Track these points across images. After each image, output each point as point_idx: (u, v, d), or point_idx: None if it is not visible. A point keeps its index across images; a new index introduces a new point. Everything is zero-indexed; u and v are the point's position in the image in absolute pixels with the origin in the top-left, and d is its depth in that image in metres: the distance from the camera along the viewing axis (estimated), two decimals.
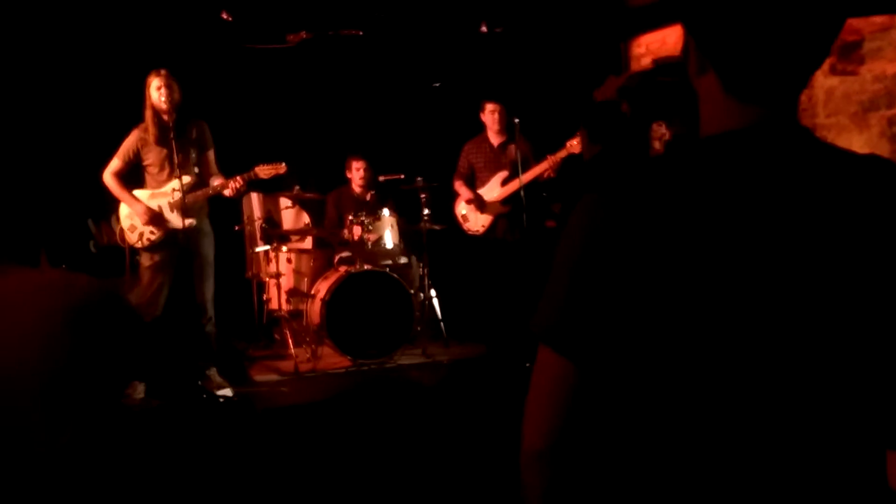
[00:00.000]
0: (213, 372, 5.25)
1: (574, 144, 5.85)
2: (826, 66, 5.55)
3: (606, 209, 1.02)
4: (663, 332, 0.99)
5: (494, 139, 6.34)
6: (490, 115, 6.32)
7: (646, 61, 7.22)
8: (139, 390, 4.94)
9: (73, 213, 5.53)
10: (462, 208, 6.43)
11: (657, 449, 1.03)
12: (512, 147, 6.22)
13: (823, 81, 5.62)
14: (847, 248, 0.99)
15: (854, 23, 5.34)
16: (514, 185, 6.07)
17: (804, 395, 1.00)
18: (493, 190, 6.26)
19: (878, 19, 5.21)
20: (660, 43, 7.17)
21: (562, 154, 5.94)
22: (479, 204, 6.30)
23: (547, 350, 1.04)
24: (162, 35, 6.33)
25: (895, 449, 1.07)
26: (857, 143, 5.42)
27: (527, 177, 6.02)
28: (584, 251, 1.02)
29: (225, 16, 6.61)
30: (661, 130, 5.82)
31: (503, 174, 6.17)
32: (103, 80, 6.15)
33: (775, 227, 0.99)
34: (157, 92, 4.97)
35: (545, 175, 6.05)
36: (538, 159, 6.15)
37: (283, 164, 5.33)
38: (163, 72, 5.00)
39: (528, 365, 5.32)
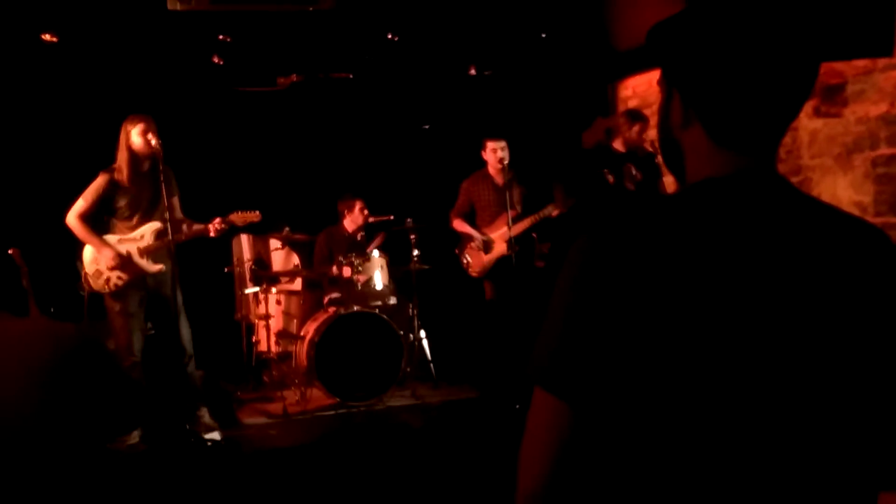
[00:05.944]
0: (203, 412, 5.20)
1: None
2: (810, 108, 5.63)
3: (597, 254, 1.05)
4: (653, 375, 1.01)
5: (498, 178, 6.28)
6: (490, 153, 6.22)
7: (633, 103, 7.31)
8: (133, 435, 4.88)
9: (62, 254, 5.49)
10: (465, 249, 6.35)
11: (651, 493, 1.03)
12: (518, 188, 6.23)
13: (808, 123, 5.69)
14: (825, 295, 1.03)
15: (837, 66, 5.43)
16: (521, 226, 6.05)
17: (797, 440, 1.01)
18: (498, 230, 6.22)
19: (861, 63, 5.29)
20: (647, 85, 7.27)
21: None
22: (485, 245, 6.27)
23: (542, 392, 1.05)
24: (154, 78, 6.38)
25: (887, 491, 1.08)
26: (842, 184, 5.48)
27: (532, 218, 6.07)
28: (577, 294, 1.05)
29: (216, 59, 6.67)
30: (632, 171, 5.91)
31: (509, 214, 5.99)
32: (90, 121, 6.18)
33: (758, 272, 1.02)
34: (141, 137, 4.90)
35: (554, 214, 6.05)
36: (531, 201, 6.18)
37: (258, 213, 5.25)
38: (147, 117, 4.96)
39: (518, 407, 5.31)
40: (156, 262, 5.07)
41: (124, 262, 4.98)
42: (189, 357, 5.12)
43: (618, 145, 6.03)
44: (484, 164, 6.32)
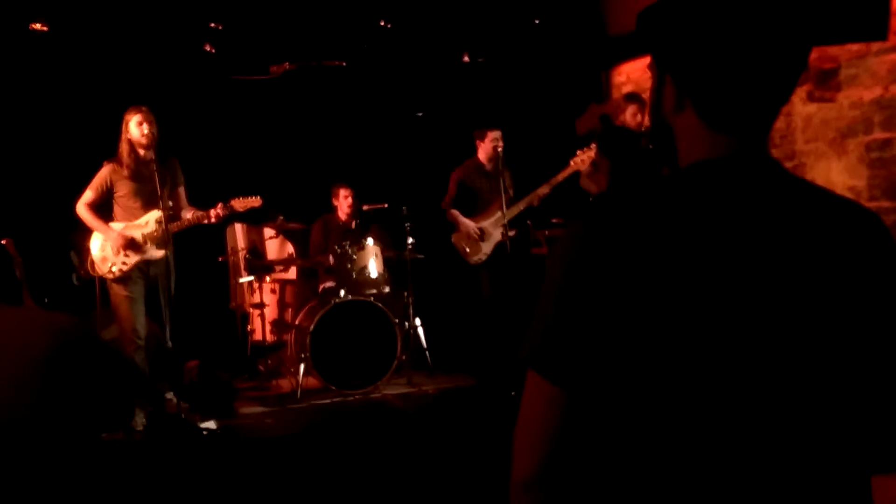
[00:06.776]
0: (171, 395, 5.26)
1: (578, 161, 5.81)
2: (804, 93, 5.63)
3: (590, 237, 1.05)
4: (646, 358, 1.00)
5: (489, 164, 6.29)
6: (490, 143, 6.23)
7: (627, 89, 7.30)
8: (137, 423, 4.92)
9: (56, 245, 5.51)
10: (462, 238, 6.34)
11: (647, 475, 1.03)
12: (507, 173, 6.23)
13: (802, 108, 5.69)
14: (819, 277, 1.03)
15: (831, 51, 5.42)
16: (515, 210, 6.10)
17: (789, 423, 1.01)
18: (494, 216, 6.21)
19: (854, 47, 5.29)
20: (640, 71, 7.26)
21: (566, 173, 5.93)
22: (482, 232, 6.26)
23: (535, 376, 1.05)
24: (146, 67, 6.35)
25: (880, 474, 1.08)
26: (836, 168, 5.49)
27: (526, 201, 6.09)
28: (569, 277, 1.04)
29: (208, 48, 6.64)
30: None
31: (503, 198, 6.02)
32: (81, 111, 6.16)
33: (751, 254, 1.02)
34: (137, 128, 5.05)
35: (535, 202, 6.08)
36: (516, 188, 6.21)
37: (259, 198, 5.43)
38: (144, 108, 5.10)
39: (513, 394, 5.32)
40: (159, 248, 5.18)
41: (130, 244, 5.13)
42: (169, 346, 5.20)
43: None
44: (474, 151, 6.34)
